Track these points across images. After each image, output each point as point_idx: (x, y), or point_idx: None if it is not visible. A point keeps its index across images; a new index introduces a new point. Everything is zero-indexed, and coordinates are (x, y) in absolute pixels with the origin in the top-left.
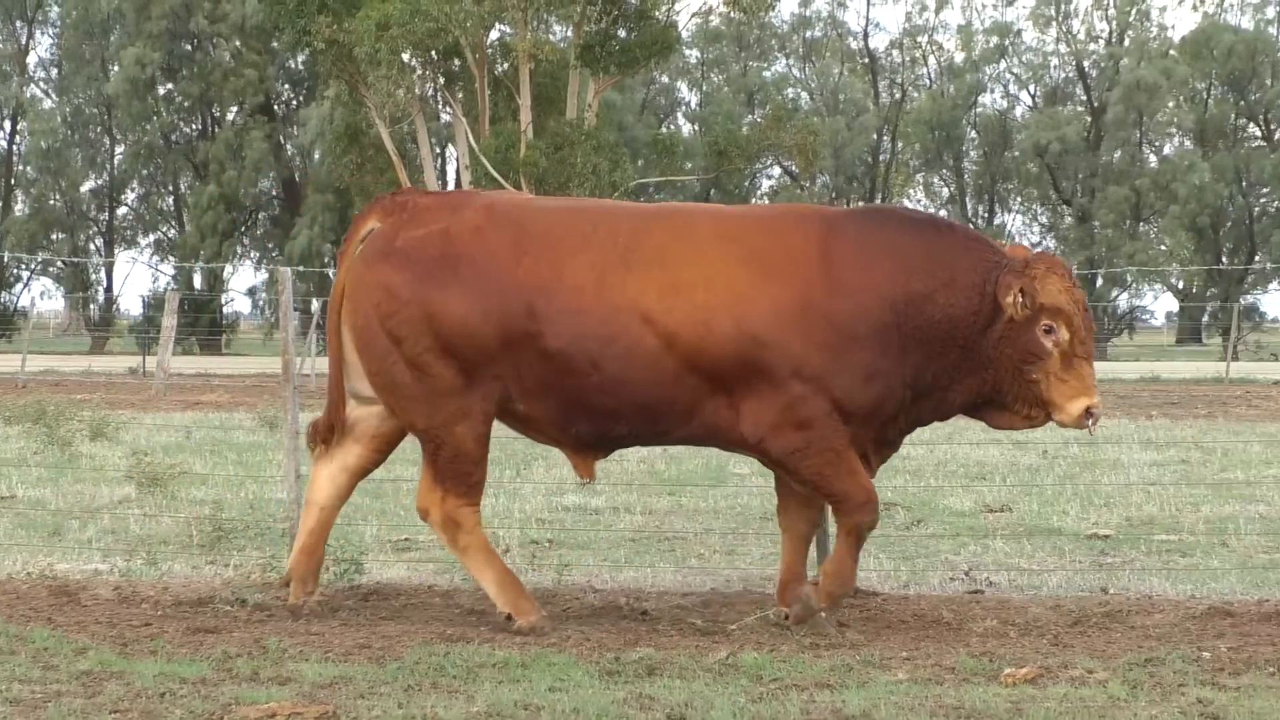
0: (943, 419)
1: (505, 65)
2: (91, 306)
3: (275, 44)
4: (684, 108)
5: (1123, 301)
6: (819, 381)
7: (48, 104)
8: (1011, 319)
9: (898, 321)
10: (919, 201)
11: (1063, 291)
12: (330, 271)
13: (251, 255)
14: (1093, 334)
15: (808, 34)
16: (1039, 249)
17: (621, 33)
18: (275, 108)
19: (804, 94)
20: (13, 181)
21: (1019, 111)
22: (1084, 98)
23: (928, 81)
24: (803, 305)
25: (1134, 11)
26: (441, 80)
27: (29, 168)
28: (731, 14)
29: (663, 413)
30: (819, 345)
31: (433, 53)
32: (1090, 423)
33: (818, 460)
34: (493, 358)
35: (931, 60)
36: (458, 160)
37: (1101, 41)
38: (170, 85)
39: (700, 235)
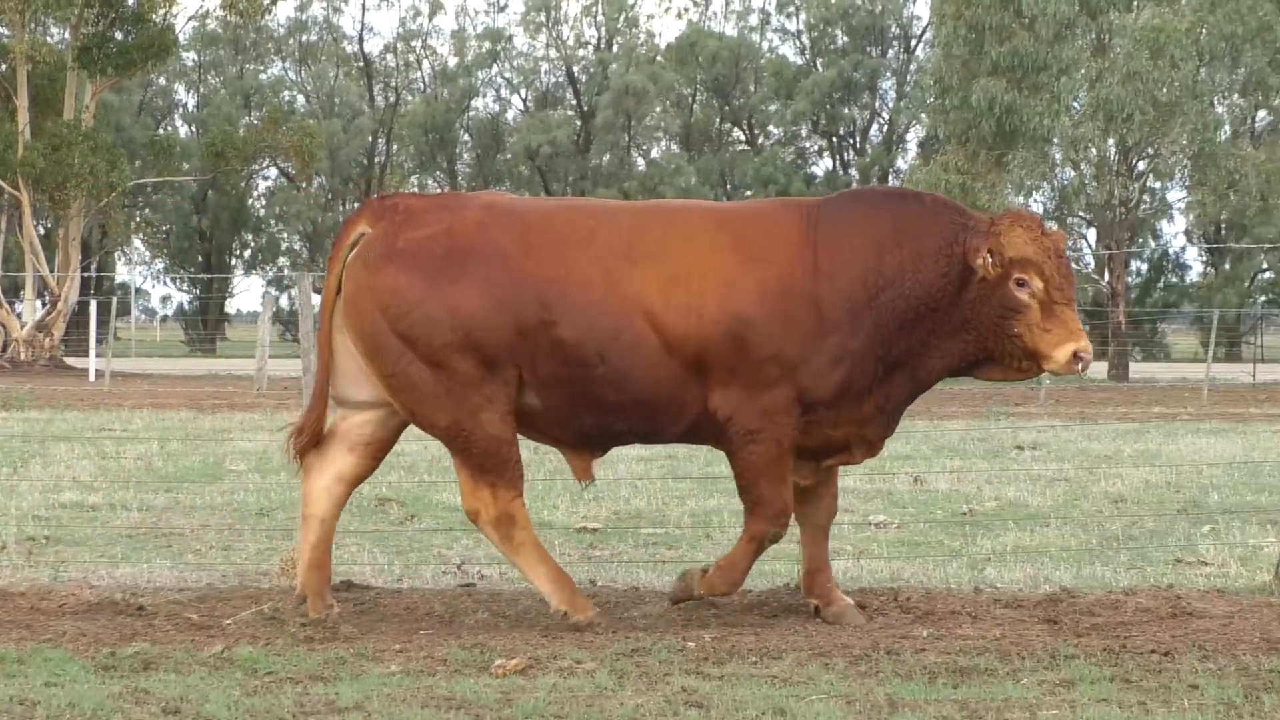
0: (922, 387)
1: (3, 66)
2: None
3: None
4: (181, 109)
5: None
6: (791, 367)
7: None
8: (984, 278)
9: (869, 298)
10: None
11: (1029, 242)
12: None
13: None
14: (1069, 279)
15: (304, 37)
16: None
17: (119, 35)
18: None
19: (300, 96)
20: None
21: (511, 115)
22: (574, 102)
23: (422, 85)
24: (785, 289)
25: (622, 18)
26: None
27: None
28: (229, 17)
29: (660, 409)
30: (799, 330)
31: None
32: (1079, 366)
33: (762, 448)
34: (510, 346)
35: (426, 64)
36: None
37: (591, 47)
38: None
39: (693, 226)
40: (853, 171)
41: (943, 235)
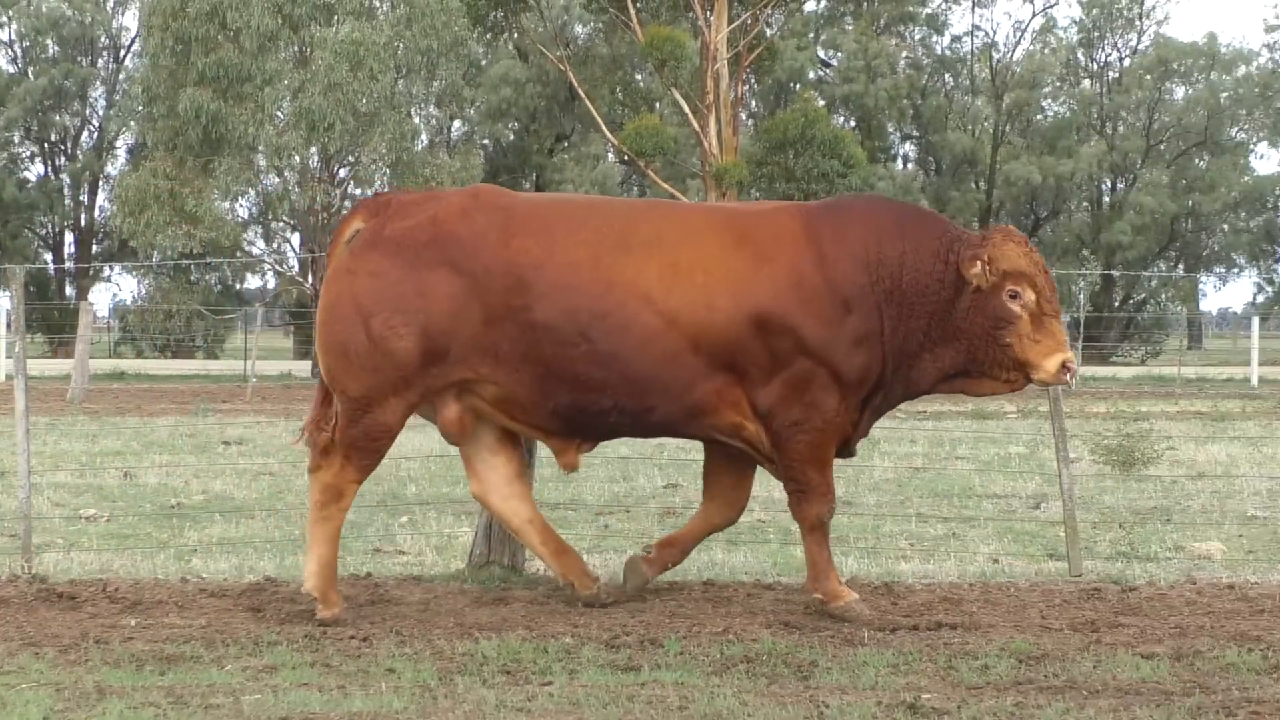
0: (916, 394)
1: None
2: None
3: None
4: None
5: None
6: (820, 354)
7: None
8: (978, 289)
9: (872, 283)
10: None
11: (1022, 256)
12: None
13: None
14: (1055, 292)
15: None
16: None
17: None
18: None
19: None
20: None
21: None
22: None
23: None
24: (797, 281)
25: None
26: None
27: None
28: None
29: (652, 389)
30: (816, 318)
31: None
32: (1068, 376)
33: (809, 437)
34: (469, 338)
35: None
36: None
37: None
38: None
39: (693, 222)
40: (64, 177)
41: (941, 240)
